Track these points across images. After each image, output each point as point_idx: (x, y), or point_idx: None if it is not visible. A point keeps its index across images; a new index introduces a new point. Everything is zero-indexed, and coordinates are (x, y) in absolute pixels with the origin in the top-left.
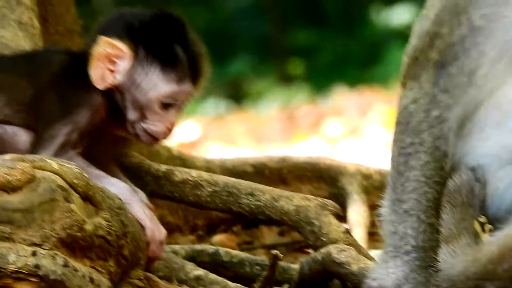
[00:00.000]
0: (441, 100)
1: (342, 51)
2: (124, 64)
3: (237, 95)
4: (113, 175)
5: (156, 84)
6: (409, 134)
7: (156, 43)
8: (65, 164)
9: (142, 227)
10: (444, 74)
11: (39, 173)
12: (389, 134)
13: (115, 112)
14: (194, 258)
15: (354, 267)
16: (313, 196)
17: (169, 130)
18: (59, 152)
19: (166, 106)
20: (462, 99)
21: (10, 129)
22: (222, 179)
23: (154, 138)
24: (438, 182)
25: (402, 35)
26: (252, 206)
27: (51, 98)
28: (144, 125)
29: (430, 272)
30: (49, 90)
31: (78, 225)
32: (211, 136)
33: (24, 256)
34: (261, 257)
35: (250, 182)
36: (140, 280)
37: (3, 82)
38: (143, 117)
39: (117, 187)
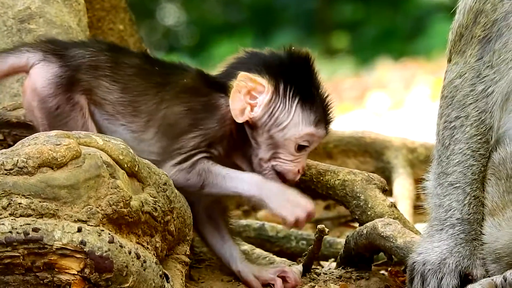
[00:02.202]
0: (486, 75)
1: (387, 24)
2: (263, 98)
3: None
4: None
5: (296, 123)
6: (454, 108)
7: (295, 81)
8: (111, 140)
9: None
10: (489, 50)
11: (84, 149)
12: (434, 106)
13: (240, 144)
14: (240, 233)
15: (400, 241)
16: (358, 170)
17: (298, 173)
18: (188, 159)
19: (300, 148)
20: (507, 74)
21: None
22: None
23: (282, 177)
24: (483, 155)
25: (445, 8)
26: (298, 181)
27: (178, 111)
28: (274, 163)
29: (475, 245)
30: (177, 103)
31: (124, 201)
32: None
33: (70, 232)
34: (307, 232)
35: None
36: (186, 255)
37: (131, 81)
38: (275, 156)
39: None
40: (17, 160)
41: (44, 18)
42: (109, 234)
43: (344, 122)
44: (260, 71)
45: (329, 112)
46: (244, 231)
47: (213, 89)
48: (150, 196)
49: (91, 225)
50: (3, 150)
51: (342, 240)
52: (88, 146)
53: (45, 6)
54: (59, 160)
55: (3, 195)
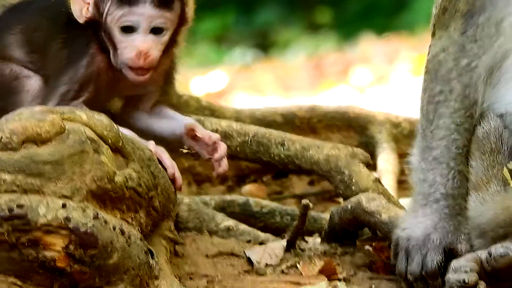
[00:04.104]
0: (470, 49)
1: None
2: None
3: (264, 44)
4: (150, 111)
5: (112, 10)
6: (438, 82)
7: None
8: (95, 116)
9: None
10: (472, 24)
11: (68, 125)
12: (417, 81)
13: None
14: (224, 208)
15: (384, 216)
16: (343, 145)
17: (138, 58)
18: (62, 102)
19: (126, 30)
20: (491, 48)
21: (26, 72)
22: (252, 129)
23: (132, 69)
24: (467, 130)
25: None
26: (282, 156)
27: (57, 45)
28: (119, 57)
29: (459, 220)
30: (57, 36)
31: (108, 177)
32: (238, 85)
33: (54, 208)
34: (291, 207)
35: (280, 131)
36: (170, 231)
37: (27, 23)
38: (114, 49)
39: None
40: (1, 136)
41: None
42: (94, 210)
43: (328, 98)
44: None
45: None
46: (229, 206)
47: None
48: (134, 171)
49: (76, 201)
50: None
51: (327, 216)
52: (72, 121)
53: None
54: (43, 135)
55: None
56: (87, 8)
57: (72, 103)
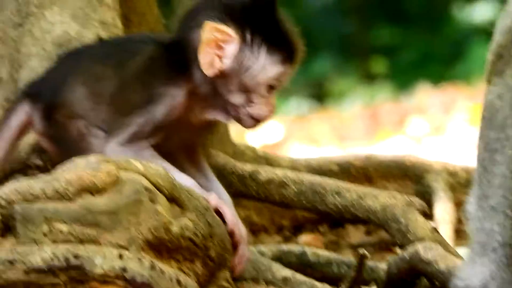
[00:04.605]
0: None
1: (425, 48)
2: (231, 48)
3: (319, 94)
4: (197, 162)
5: (265, 66)
6: (494, 130)
7: (260, 25)
8: (150, 165)
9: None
10: None
11: (124, 175)
12: (474, 131)
13: (208, 99)
14: (281, 258)
15: (442, 265)
16: (399, 194)
17: (271, 113)
18: (130, 142)
19: (271, 88)
20: None
21: (94, 131)
22: (308, 177)
23: (257, 121)
24: None
25: (484, 31)
26: (338, 205)
27: (133, 89)
28: (249, 109)
29: None
30: (132, 80)
31: (165, 227)
32: (294, 135)
33: (111, 258)
34: (348, 257)
35: (335, 180)
36: (227, 281)
37: (89, 73)
38: (248, 101)
39: (186, 185)
40: (58, 186)
41: (83, 43)
42: (150, 260)
43: (384, 148)
44: (224, 19)
45: (294, 47)
46: (285, 256)
47: (169, 67)
48: (190, 221)
49: (132, 251)
50: (43, 176)
51: (384, 265)
52: (128, 171)
53: (83, 30)
54: (99, 185)
55: (44, 221)
56: (221, 60)
57: (140, 144)
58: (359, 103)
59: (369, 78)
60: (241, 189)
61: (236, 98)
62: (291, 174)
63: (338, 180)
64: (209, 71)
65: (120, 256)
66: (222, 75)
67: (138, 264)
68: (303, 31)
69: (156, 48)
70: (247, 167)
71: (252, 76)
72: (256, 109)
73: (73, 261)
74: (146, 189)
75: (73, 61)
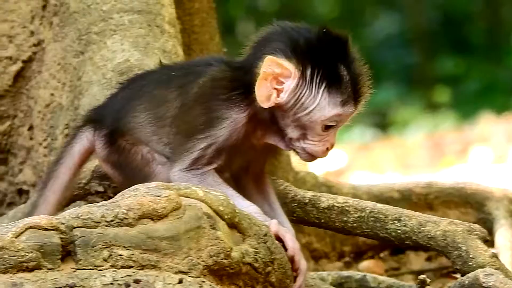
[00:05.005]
0: None
1: (488, 78)
2: (290, 84)
3: (383, 123)
4: (262, 187)
5: (322, 107)
6: None
7: (323, 64)
8: (211, 191)
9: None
10: None
11: (184, 201)
12: None
13: (269, 125)
14: (342, 284)
15: None
16: (460, 221)
17: (327, 150)
18: (193, 167)
19: (327, 127)
20: None
21: (158, 157)
22: (369, 204)
23: (313, 156)
24: None
25: None
26: (399, 232)
27: (195, 111)
28: (304, 144)
29: None
30: (194, 103)
31: (225, 252)
32: (358, 163)
33: (171, 284)
34: (409, 283)
35: (396, 207)
36: None
37: (151, 97)
38: (303, 137)
39: (248, 211)
40: (118, 212)
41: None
42: (210, 285)
43: (447, 176)
44: (287, 54)
45: (359, 90)
46: (346, 282)
47: (232, 90)
48: (251, 247)
49: (192, 277)
50: (104, 202)
51: None
52: (188, 197)
53: (144, 58)
54: (159, 211)
55: (104, 247)
56: (278, 95)
57: (203, 169)
58: (422, 132)
59: (433, 107)
60: (302, 216)
61: (292, 132)
62: (351, 201)
63: (399, 207)
64: (264, 104)
65: (181, 281)
66: (280, 108)
67: None
68: (367, 61)
69: (221, 70)
70: (308, 194)
71: (308, 115)
72: (311, 146)
73: (134, 286)
74: (207, 215)
75: (134, 87)
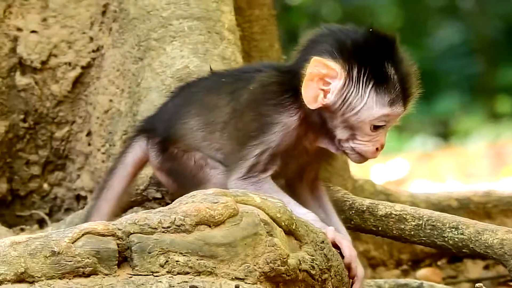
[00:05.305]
0: None
1: None
2: (336, 84)
3: (445, 132)
4: (317, 194)
5: (370, 106)
6: None
7: (370, 64)
8: (268, 198)
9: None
10: None
11: (241, 208)
12: None
13: (319, 127)
14: None
15: None
16: None
17: (378, 151)
18: (249, 175)
19: (376, 127)
20: None
21: (211, 162)
22: (426, 212)
23: (362, 157)
24: None
25: None
26: (456, 240)
27: (246, 117)
28: (353, 144)
29: None
30: (245, 109)
31: (282, 259)
32: (419, 172)
33: None
34: None
35: (454, 215)
36: None
37: (202, 104)
38: (352, 137)
39: (305, 219)
40: (175, 218)
41: None
42: None
43: (507, 185)
44: (333, 55)
45: (407, 89)
46: None
47: (281, 94)
48: (308, 254)
49: (249, 283)
50: (161, 208)
51: None
52: (245, 204)
53: (204, 65)
54: (216, 218)
55: (161, 253)
56: (325, 95)
57: (259, 176)
58: (484, 141)
59: (495, 117)
60: (359, 223)
61: (341, 133)
62: (409, 209)
63: (457, 216)
64: (311, 105)
65: None
66: (327, 109)
67: None
68: (430, 71)
69: (270, 75)
70: (365, 201)
71: (355, 115)
72: (361, 146)
73: None
74: (264, 222)
75: (185, 94)
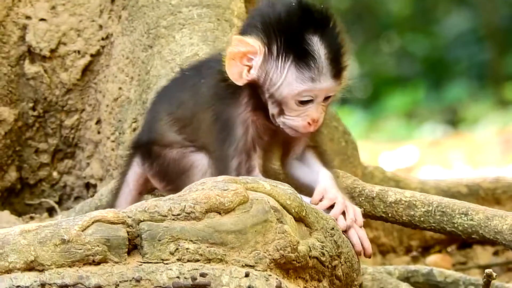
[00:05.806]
0: None
1: None
2: (258, 60)
3: (454, 119)
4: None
5: (289, 82)
6: None
7: (290, 39)
8: (278, 185)
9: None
10: None
11: (251, 195)
12: None
13: (262, 105)
14: (408, 278)
15: None
16: None
17: (310, 125)
18: (239, 174)
19: (303, 102)
20: None
21: (191, 148)
22: (436, 198)
23: (295, 131)
24: None
25: None
26: (466, 226)
27: (207, 115)
28: (283, 119)
29: None
30: (204, 105)
31: (292, 246)
32: (428, 160)
33: (237, 277)
34: (476, 277)
35: (463, 202)
36: None
37: (171, 99)
38: (281, 112)
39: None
40: (185, 206)
41: None
42: (277, 279)
43: None
44: (255, 32)
45: (335, 63)
46: (413, 276)
47: (231, 87)
48: (318, 240)
49: (259, 270)
50: (171, 196)
51: (511, 285)
52: (255, 191)
53: (213, 52)
54: (226, 205)
55: (171, 240)
56: (248, 70)
57: (248, 170)
58: (493, 128)
59: (504, 104)
60: (369, 210)
61: (272, 108)
62: (418, 195)
63: (466, 202)
64: (238, 81)
65: (247, 275)
66: (256, 86)
67: (264, 283)
68: (439, 59)
69: (221, 68)
70: (375, 188)
71: (277, 90)
72: (289, 121)
73: (200, 279)
74: (274, 209)
75: (160, 93)
